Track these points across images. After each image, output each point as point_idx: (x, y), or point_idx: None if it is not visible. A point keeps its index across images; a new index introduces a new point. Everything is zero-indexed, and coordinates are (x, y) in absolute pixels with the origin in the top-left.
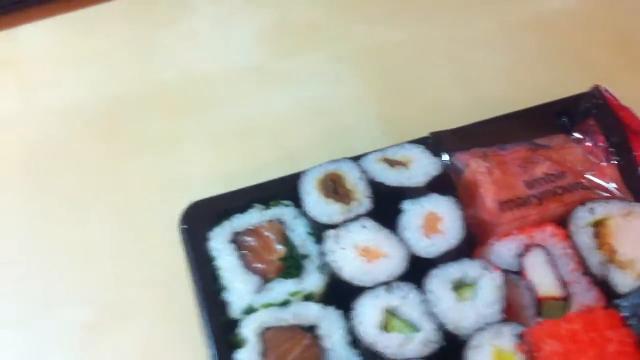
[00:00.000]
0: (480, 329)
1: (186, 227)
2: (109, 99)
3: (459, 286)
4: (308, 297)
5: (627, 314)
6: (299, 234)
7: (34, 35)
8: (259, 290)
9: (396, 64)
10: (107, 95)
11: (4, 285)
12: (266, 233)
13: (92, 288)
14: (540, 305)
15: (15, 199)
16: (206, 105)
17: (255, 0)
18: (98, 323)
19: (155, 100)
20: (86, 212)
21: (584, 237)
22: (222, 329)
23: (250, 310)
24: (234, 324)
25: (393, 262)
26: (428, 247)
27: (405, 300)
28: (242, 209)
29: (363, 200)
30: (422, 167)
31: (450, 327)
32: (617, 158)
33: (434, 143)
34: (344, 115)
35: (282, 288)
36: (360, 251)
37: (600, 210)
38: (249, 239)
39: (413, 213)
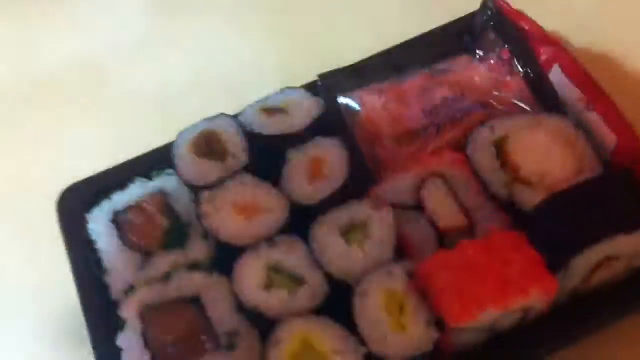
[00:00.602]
0: (368, 273)
1: (62, 211)
2: None
3: (349, 231)
4: (193, 267)
5: (531, 233)
6: (184, 202)
7: None
8: (141, 267)
9: (292, 10)
10: None
11: None
12: (148, 207)
13: None
14: (443, 237)
15: None
16: (90, 87)
17: None
18: None
19: (38, 91)
20: None
21: (485, 159)
22: (103, 315)
23: (131, 290)
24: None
25: (274, 216)
26: (312, 193)
27: (289, 253)
28: (123, 185)
29: (240, 155)
30: (302, 110)
31: (337, 274)
32: (523, 69)
33: (324, 85)
34: (238, 77)
35: (164, 261)
36: (238, 209)
37: (502, 127)
38: (130, 216)
39: (296, 161)
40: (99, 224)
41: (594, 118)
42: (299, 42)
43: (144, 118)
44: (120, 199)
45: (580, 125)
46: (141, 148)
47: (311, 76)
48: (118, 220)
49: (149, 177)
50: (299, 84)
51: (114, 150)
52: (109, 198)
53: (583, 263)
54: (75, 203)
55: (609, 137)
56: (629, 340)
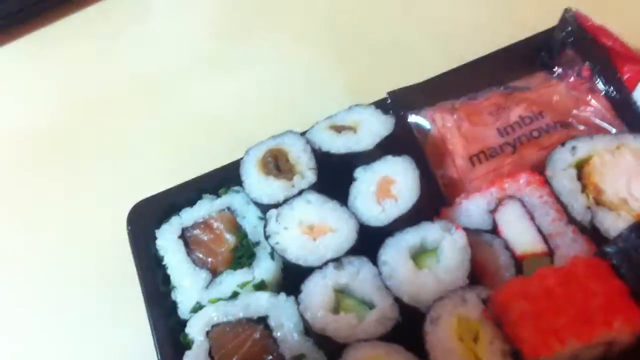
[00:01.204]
0: (440, 298)
1: (131, 227)
2: (61, 109)
3: (419, 253)
4: (260, 287)
5: (616, 262)
6: (251, 220)
7: None
8: (208, 285)
9: (360, 26)
10: (59, 107)
11: None
12: (216, 224)
13: (43, 294)
14: (520, 264)
15: None
16: (158, 104)
17: None
18: (39, 332)
19: (107, 105)
20: (36, 222)
21: (565, 181)
22: (171, 331)
23: (198, 308)
24: (184, 324)
25: (341, 236)
26: (379, 214)
27: (357, 276)
28: (192, 202)
29: (306, 174)
30: (371, 128)
31: (407, 299)
32: (605, 87)
33: (394, 102)
34: (305, 94)
35: (232, 280)
36: (305, 229)
37: (584, 148)
38: (198, 232)
39: (365, 180)
40: (167, 239)
41: None
42: (366, 59)
43: (211, 135)
44: (189, 216)
45: None
46: (208, 165)
47: (379, 93)
48: (186, 237)
49: (216, 194)
50: (367, 102)
51: (180, 167)
52: (178, 214)
53: None
54: (145, 219)
55: None
56: None
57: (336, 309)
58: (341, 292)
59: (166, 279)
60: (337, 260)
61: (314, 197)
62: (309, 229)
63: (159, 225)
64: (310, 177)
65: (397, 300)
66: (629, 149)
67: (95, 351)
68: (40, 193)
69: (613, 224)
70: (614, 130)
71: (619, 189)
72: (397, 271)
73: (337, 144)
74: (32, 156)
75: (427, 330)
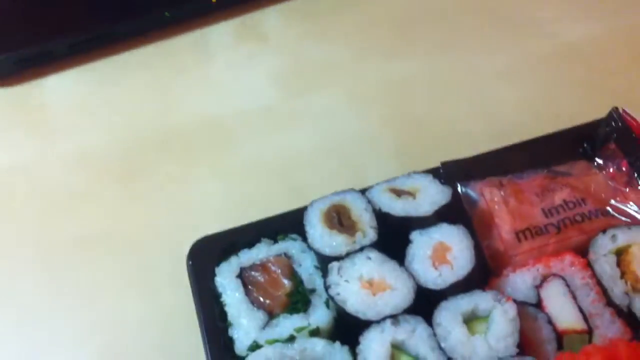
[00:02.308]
0: None
1: (192, 263)
2: (126, 143)
3: (471, 319)
4: (314, 333)
5: None
6: (306, 267)
7: (58, 85)
8: (265, 326)
9: (411, 97)
10: (124, 140)
11: (10, 326)
12: (273, 268)
13: (99, 329)
14: (561, 339)
15: (27, 243)
16: (219, 146)
17: (269, 44)
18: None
19: (170, 143)
20: (97, 253)
21: (606, 266)
22: None
23: (255, 347)
24: None
25: (399, 294)
26: (436, 278)
27: (413, 334)
28: (250, 244)
29: (368, 231)
30: (429, 196)
31: None
32: None
33: (446, 172)
34: (357, 152)
35: (288, 323)
36: (365, 283)
37: (623, 237)
38: (255, 273)
39: (421, 243)
40: (226, 277)
41: None
42: (416, 127)
43: (267, 183)
44: (247, 257)
45: None
46: (262, 212)
47: (427, 163)
48: (244, 276)
49: (274, 239)
50: (415, 168)
51: (236, 211)
52: (236, 255)
53: None
54: (205, 256)
55: None
56: None
57: None
58: (397, 348)
59: (223, 315)
60: (394, 317)
61: (374, 254)
62: (369, 284)
63: (217, 263)
64: (372, 234)
65: None
66: None
67: None
68: (99, 225)
69: None
70: None
71: None
72: (451, 334)
73: (397, 207)
74: (91, 186)
75: None
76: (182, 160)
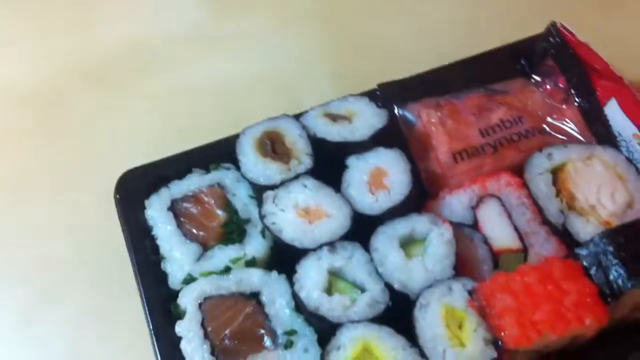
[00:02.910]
0: (429, 287)
1: (120, 196)
2: (46, 74)
3: (407, 243)
4: (250, 263)
5: (586, 264)
6: (241, 197)
7: None
8: (199, 258)
9: (344, 18)
10: (44, 71)
11: None
12: (206, 198)
13: (29, 267)
14: (497, 258)
15: None
16: (146, 73)
17: None
18: (35, 303)
19: (93, 71)
20: (19, 192)
21: (541, 185)
22: (161, 301)
23: (190, 280)
24: (174, 294)
25: (336, 221)
26: (373, 203)
27: (350, 260)
28: (181, 174)
29: (303, 159)
30: (366, 120)
31: (397, 286)
32: (578, 99)
33: (383, 95)
34: (290, 75)
35: (223, 255)
36: (301, 212)
37: (559, 155)
38: (188, 205)
39: (357, 169)
40: (156, 210)
41: None
42: (353, 49)
43: (197, 110)
44: (178, 188)
45: (633, 160)
46: (194, 141)
47: (365, 83)
48: (175, 209)
49: (206, 169)
50: (352, 90)
51: (165, 140)
52: (167, 186)
53: (635, 297)
54: (133, 189)
55: None
56: None
57: (329, 291)
58: (334, 275)
59: (155, 249)
60: (331, 244)
61: (310, 182)
62: (305, 212)
63: (147, 195)
64: (307, 162)
65: (388, 285)
66: (599, 159)
67: (85, 321)
68: (25, 159)
69: (582, 228)
70: (583, 140)
71: (589, 197)
72: (388, 258)
73: (333, 132)
74: (9, 122)
75: (417, 316)
76: (105, 88)
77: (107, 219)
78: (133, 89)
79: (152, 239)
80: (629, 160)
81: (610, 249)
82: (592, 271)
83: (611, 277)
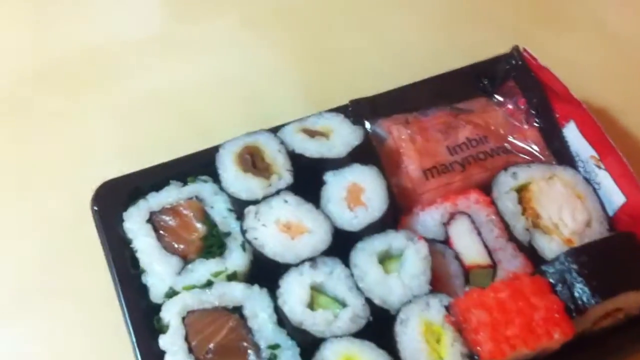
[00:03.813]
0: (407, 302)
1: (98, 208)
2: (3, 76)
3: (385, 258)
4: (232, 277)
5: (553, 281)
6: (219, 210)
7: None
8: (180, 271)
9: (312, 28)
10: (1, 73)
11: None
12: (185, 211)
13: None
14: (468, 274)
15: None
16: (108, 79)
17: None
18: (6, 315)
19: (53, 75)
20: None
21: (508, 203)
22: (143, 315)
23: (171, 294)
24: (156, 308)
25: (317, 237)
26: (352, 219)
27: (331, 275)
28: (158, 186)
29: (283, 174)
30: (342, 136)
31: (377, 301)
32: (538, 120)
33: (354, 111)
34: (259, 84)
35: (204, 268)
36: (282, 227)
37: (523, 174)
38: (166, 218)
39: (335, 185)
40: (135, 222)
41: (604, 175)
42: (321, 61)
43: (165, 119)
44: (156, 200)
45: (590, 180)
46: (165, 152)
47: (334, 98)
48: (154, 221)
49: (183, 182)
50: (323, 103)
51: (137, 151)
52: (145, 198)
53: (597, 312)
54: (111, 201)
55: (617, 196)
56: None
57: (311, 305)
58: (315, 290)
59: (135, 262)
60: (312, 260)
61: (290, 197)
62: (286, 227)
63: (125, 208)
64: (287, 177)
65: (368, 300)
66: (560, 179)
67: (62, 333)
68: None
69: (547, 245)
70: (543, 159)
71: (552, 215)
72: (368, 274)
73: (311, 148)
74: None
75: (397, 330)
76: (69, 94)
77: (83, 234)
78: (93, 96)
79: (132, 252)
80: (587, 180)
81: (575, 267)
82: (558, 287)
83: (576, 294)
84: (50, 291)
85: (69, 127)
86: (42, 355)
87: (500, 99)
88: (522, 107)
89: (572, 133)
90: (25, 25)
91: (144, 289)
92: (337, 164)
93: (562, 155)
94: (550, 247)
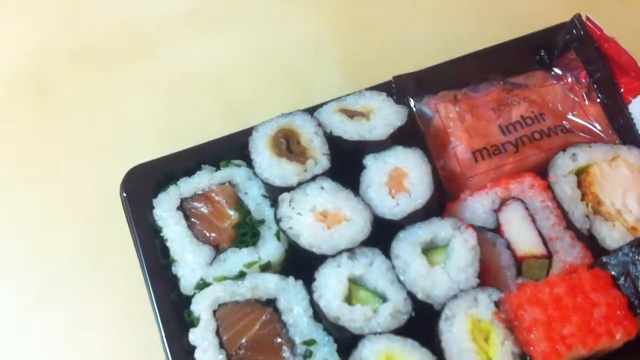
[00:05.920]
0: (453, 297)
1: (127, 195)
2: (37, 55)
3: (430, 249)
4: (265, 268)
5: (615, 273)
6: (253, 196)
7: None
8: (212, 261)
9: (354, 8)
10: (35, 51)
11: None
12: (217, 197)
13: (26, 267)
14: (520, 264)
15: None
16: (141, 56)
17: None
18: (33, 304)
19: (87, 53)
20: (13, 184)
21: (566, 187)
22: (173, 307)
23: (202, 285)
24: (186, 300)
25: (355, 226)
26: (393, 207)
27: (371, 268)
28: (190, 171)
29: (320, 159)
30: (384, 117)
31: (420, 295)
32: (601, 95)
33: (398, 88)
34: (296, 61)
35: (237, 259)
36: (319, 215)
37: (583, 156)
38: (198, 204)
39: (376, 169)
40: (165, 209)
41: None
42: (364, 38)
43: (199, 98)
44: (187, 186)
45: None
46: (198, 132)
47: (375, 75)
48: (185, 208)
49: (216, 166)
50: (359, 81)
51: (171, 132)
52: (175, 184)
53: None
54: (141, 186)
55: None
56: None
57: (349, 299)
58: (354, 283)
59: (165, 250)
60: (350, 251)
61: (327, 183)
62: (323, 216)
63: (155, 194)
64: (324, 162)
65: (410, 294)
66: (624, 161)
67: (89, 325)
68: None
69: (609, 234)
70: (605, 138)
71: (615, 201)
72: (410, 266)
73: (350, 130)
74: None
75: (442, 328)
76: (102, 72)
77: (112, 220)
78: (127, 74)
79: (162, 241)
80: None
81: None
82: (621, 281)
83: None
84: (78, 282)
85: (102, 107)
86: (69, 345)
87: (559, 72)
88: (584, 81)
89: (638, 110)
90: (60, 3)
91: (174, 280)
92: (378, 146)
93: (627, 134)
94: (612, 235)
